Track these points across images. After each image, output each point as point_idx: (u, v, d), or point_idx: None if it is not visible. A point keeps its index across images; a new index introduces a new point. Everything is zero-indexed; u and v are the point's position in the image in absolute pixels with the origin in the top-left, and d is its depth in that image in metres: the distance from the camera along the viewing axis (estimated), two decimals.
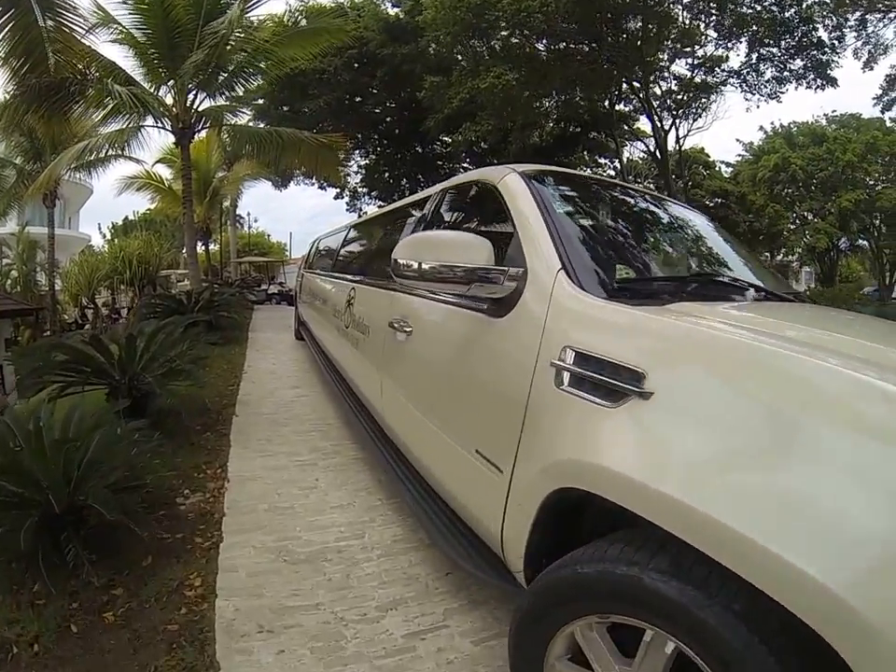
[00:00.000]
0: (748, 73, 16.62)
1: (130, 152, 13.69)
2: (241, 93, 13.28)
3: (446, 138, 22.89)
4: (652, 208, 2.72)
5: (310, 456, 4.14)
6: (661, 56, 18.12)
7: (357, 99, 19.83)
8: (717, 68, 17.27)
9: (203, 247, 21.74)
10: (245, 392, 5.89)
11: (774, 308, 1.99)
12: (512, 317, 1.82)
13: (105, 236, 35.73)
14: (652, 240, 2.55)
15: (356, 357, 3.83)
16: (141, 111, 10.81)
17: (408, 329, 2.68)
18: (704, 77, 17.75)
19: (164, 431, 4.34)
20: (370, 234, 4.83)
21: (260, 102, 18.71)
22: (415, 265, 1.84)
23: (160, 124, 12.23)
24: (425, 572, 2.68)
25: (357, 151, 23.34)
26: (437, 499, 2.42)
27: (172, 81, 11.95)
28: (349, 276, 4.63)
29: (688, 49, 18.19)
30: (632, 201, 2.71)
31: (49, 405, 3.71)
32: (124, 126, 12.20)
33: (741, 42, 16.10)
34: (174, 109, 12.17)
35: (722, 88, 17.69)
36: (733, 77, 17.17)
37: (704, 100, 18.74)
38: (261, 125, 17.54)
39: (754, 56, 16.22)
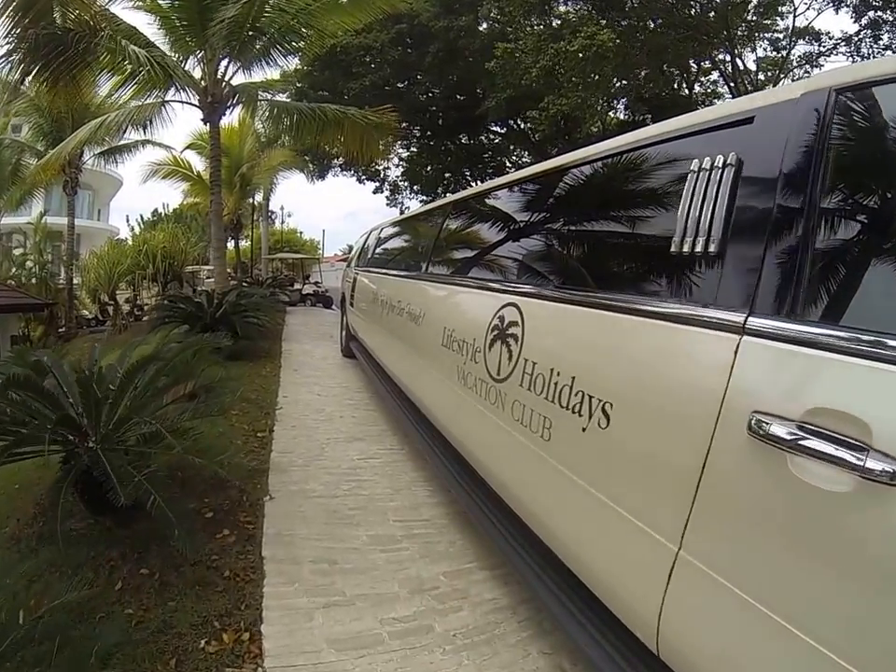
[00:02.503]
0: (860, 40, 14.05)
1: (152, 132, 11.92)
2: (279, 64, 11.51)
3: (497, 128, 20.99)
4: None
5: (415, 607, 2.28)
6: (737, 32, 15.86)
7: (399, 85, 17.91)
8: (823, 36, 14.84)
9: (233, 242, 20.06)
10: (282, 447, 4.02)
11: None
12: None
13: (132, 229, 34.40)
14: None
15: (535, 457, 1.85)
16: (161, 78, 9.07)
17: None
18: (808, 45, 15.26)
19: (151, 531, 2.52)
20: (560, 202, 2.48)
21: (298, 85, 16.91)
22: None
23: (185, 98, 10.54)
24: None
25: (399, 143, 21.51)
26: None
27: (201, 52, 10.31)
28: (489, 283, 2.63)
29: (767, 23, 15.97)
30: None
31: None
32: (145, 102, 10.62)
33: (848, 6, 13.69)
34: (202, 82, 10.50)
35: (826, 59, 15.17)
36: (843, 46, 14.62)
37: (806, 74, 16.29)
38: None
39: (864, 21, 13.69)
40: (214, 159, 10.64)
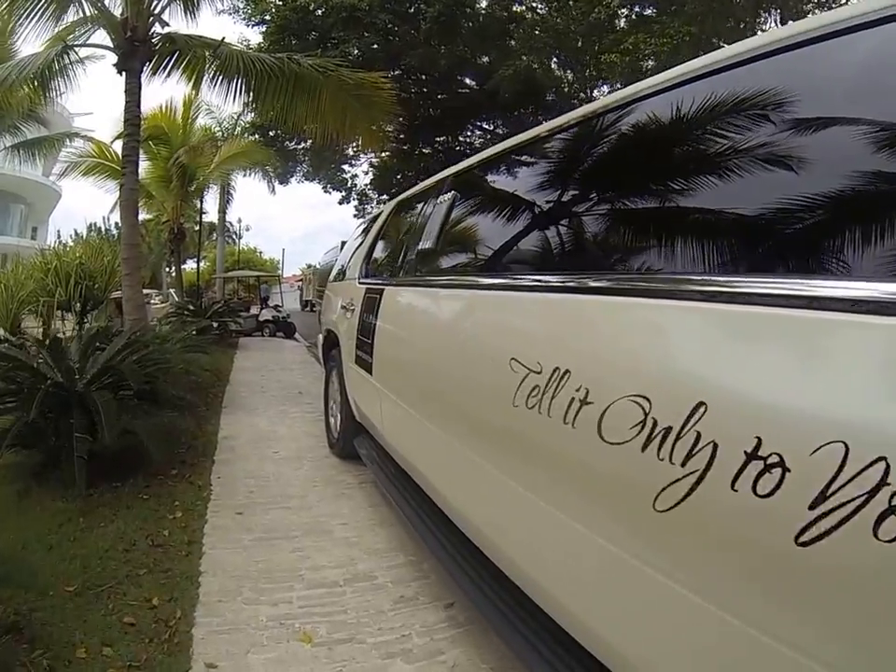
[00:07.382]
0: None
1: (55, 92, 8.20)
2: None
3: (485, 125, 18.22)
4: None
5: None
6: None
7: (384, 71, 14.85)
8: None
9: (172, 255, 16.08)
10: None
11: None
12: None
13: (65, 246, 29.88)
14: None
15: None
16: None
17: None
18: None
19: None
20: None
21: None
22: None
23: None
24: None
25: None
26: None
27: None
28: None
29: None
30: None
31: None
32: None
33: None
34: (123, 13, 7.12)
35: None
36: None
37: None
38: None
39: None
40: (130, 123, 7.21)
